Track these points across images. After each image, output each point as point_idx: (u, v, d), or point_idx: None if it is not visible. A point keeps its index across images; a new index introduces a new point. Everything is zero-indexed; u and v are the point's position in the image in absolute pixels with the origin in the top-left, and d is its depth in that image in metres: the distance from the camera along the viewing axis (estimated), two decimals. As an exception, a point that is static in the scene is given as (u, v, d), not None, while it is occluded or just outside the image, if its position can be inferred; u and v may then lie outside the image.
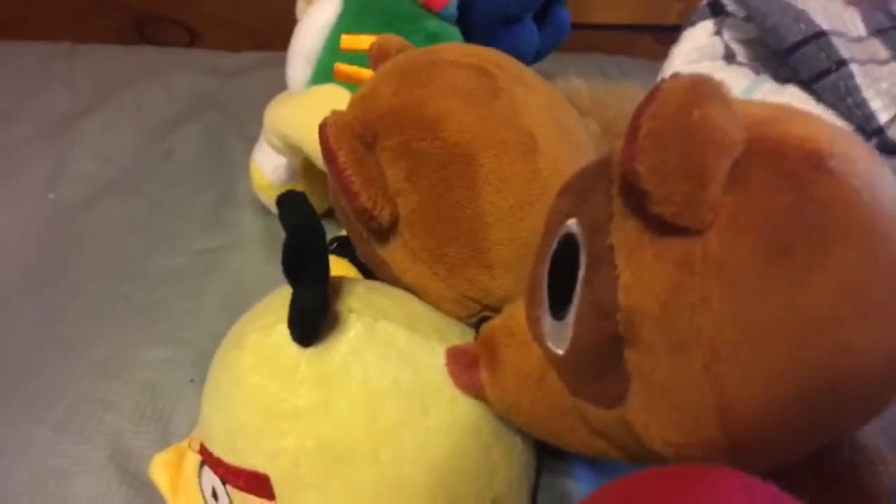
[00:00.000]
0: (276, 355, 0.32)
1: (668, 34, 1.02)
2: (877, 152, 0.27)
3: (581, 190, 0.30)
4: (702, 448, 0.26)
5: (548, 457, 0.40)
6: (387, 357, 0.33)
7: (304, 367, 0.32)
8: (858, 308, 0.24)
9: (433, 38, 0.52)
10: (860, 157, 0.25)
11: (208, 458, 0.34)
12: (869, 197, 0.24)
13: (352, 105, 0.39)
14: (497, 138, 0.35)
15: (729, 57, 0.94)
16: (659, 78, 0.90)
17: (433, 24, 0.53)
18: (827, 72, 0.83)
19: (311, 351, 0.32)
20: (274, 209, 0.62)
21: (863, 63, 0.84)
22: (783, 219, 0.24)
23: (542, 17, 0.66)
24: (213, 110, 0.87)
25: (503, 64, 0.39)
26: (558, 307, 0.29)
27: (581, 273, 0.28)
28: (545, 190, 0.36)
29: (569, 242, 0.29)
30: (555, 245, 0.30)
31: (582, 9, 1.11)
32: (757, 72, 0.90)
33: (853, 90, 0.82)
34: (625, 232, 0.26)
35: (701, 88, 0.24)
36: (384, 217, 0.35)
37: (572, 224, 0.29)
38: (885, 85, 0.83)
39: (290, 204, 0.30)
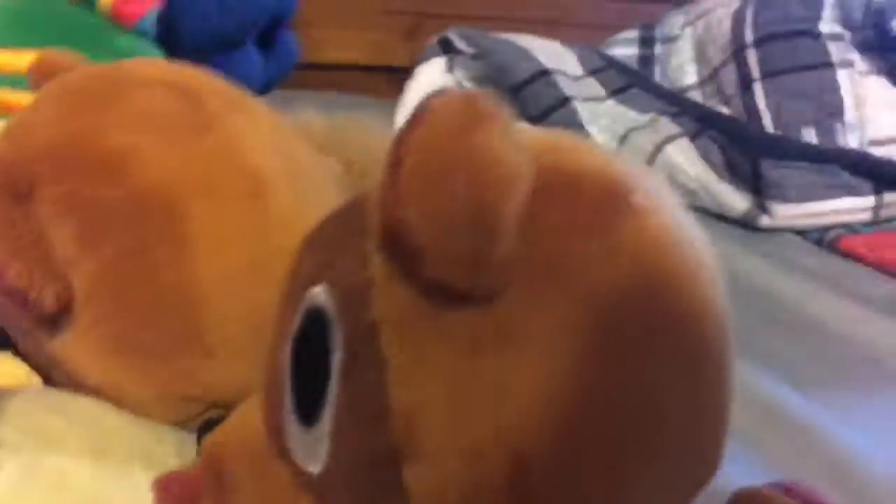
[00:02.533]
0: None
1: (400, 74, 1.02)
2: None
3: (328, 246, 0.22)
4: None
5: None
6: (58, 507, 0.22)
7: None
8: (676, 367, 0.20)
9: (126, 57, 0.42)
10: (658, 189, 0.22)
11: None
12: (676, 237, 0.21)
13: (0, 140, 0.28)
14: (210, 181, 0.28)
15: (461, 95, 0.95)
16: (398, 114, 0.88)
17: (125, 40, 0.43)
18: (553, 108, 0.86)
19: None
20: None
21: (584, 100, 0.89)
22: (586, 275, 0.19)
23: (265, 44, 0.58)
24: None
25: (215, 86, 0.31)
26: (307, 409, 0.22)
27: (336, 360, 0.21)
28: (279, 247, 0.28)
29: (316, 318, 0.21)
30: (297, 322, 0.22)
31: (314, 48, 1.08)
32: (489, 109, 0.92)
33: (578, 125, 0.86)
34: (392, 302, 0.19)
35: (478, 107, 0.18)
36: (47, 298, 0.26)
37: (319, 293, 0.22)
38: (605, 121, 0.88)
39: None
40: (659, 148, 0.85)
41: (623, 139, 0.87)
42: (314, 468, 0.22)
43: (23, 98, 0.38)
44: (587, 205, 0.20)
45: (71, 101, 0.28)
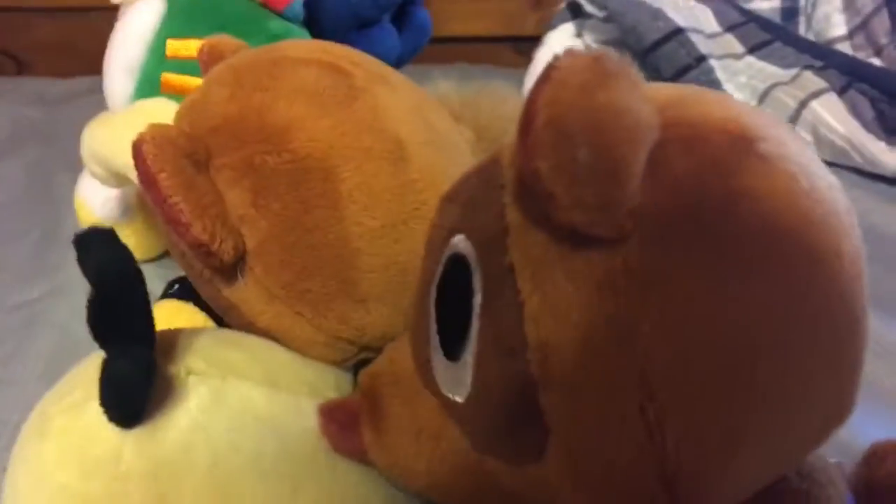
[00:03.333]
0: (89, 443, 0.25)
1: (527, 44, 1.02)
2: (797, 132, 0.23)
3: (468, 200, 0.24)
4: (642, 507, 0.21)
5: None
6: (242, 428, 0.26)
7: (128, 454, 0.24)
8: (806, 310, 0.20)
9: (276, 41, 0.46)
10: (788, 138, 0.22)
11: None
12: (806, 183, 0.21)
13: (178, 117, 0.32)
14: (358, 147, 0.30)
15: (591, 58, 0.93)
16: (526, 83, 0.89)
17: (276, 25, 0.47)
18: (688, 68, 0.84)
19: (136, 432, 0.25)
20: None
21: (720, 58, 0.86)
22: (716, 217, 0.20)
23: (400, 20, 0.61)
24: (37, 143, 0.79)
25: (359, 60, 0.33)
26: (452, 345, 0.24)
27: (476, 301, 0.23)
28: (420, 204, 0.30)
29: (458, 264, 0.24)
30: (440, 269, 0.25)
31: (440, 22, 1.09)
32: (621, 72, 0.90)
33: (715, 84, 0.83)
34: (526, 247, 0.21)
35: (605, 65, 0.19)
36: (226, 252, 0.29)
37: (460, 241, 0.24)
38: (743, 78, 0.84)
39: (91, 245, 0.23)
40: (803, 104, 0.81)
41: (764, 96, 0.83)
42: (459, 397, 0.24)
43: (190, 80, 0.43)
44: (713, 152, 0.20)
45: (240, 81, 0.31)
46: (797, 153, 0.21)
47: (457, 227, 0.24)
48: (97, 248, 0.23)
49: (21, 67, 1.07)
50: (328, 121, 0.30)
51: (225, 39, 0.36)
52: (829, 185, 0.22)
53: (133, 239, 0.52)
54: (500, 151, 0.24)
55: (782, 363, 0.20)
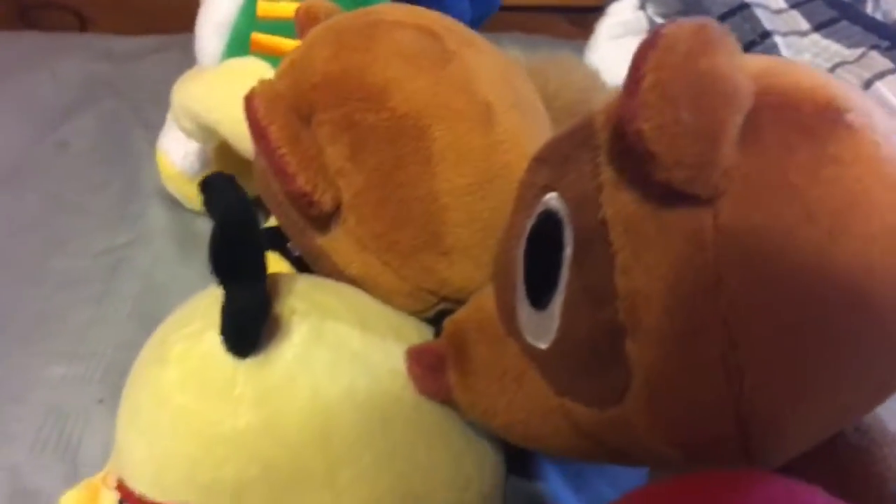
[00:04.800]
0: (207, 369, 0.27)
1: (581, 16, 1.01)
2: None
3: (560, 160, 0.26)
4: (715, 447, 0.23)
5: (514, 458, 0.36)
6: (338, 363, 0.28)
7: (241, 380, 0.27)
8: (886, 275, 0.21)
9: (364, 4, 0.47)
10: (874, 109, 0.23)
11: (128, 497, 0.29)
12: (891, 152, 0.22)
13: (281, 74, 0.34)
14: (451, 108, 0.32)
15: (654, 31, 0.93)
16: (587, 55, 0.89)
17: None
18: (752, 43, 0.83)
19: (249, 362, 0.27)
20: (186, 200, 0.57)
21: (785, 34, 0.85)
22: (803, 180, 0.21)
23: (471, -12, 0.62)
24: (109, 96, 0.82)
25: (450, 25, 0.35)
26: (539, 295, 0.26)
27: (567, 254, 0.24)
28: (505, 164, 0.32)
29: (549, 220, 0.25)
30: (531, 224, 0.26)
31: None
32: (683, 45, 0.90)
33: (778, 61, 0.83)
34: (620, 204, 0.23)
35: (708, 34, 0.21)
36: (325, 201, 0.31)
37: (552, 199, 0.25)
38: (807, 56, 0.83)
39: (216, 188, 0.25)
40: (868, 84, 0.80)
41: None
42: (543, 344, 0.26)
43: (284, 43, 0.45)
44: (803, 120, 0.21)
45: (341, 42, 0.33)
46: (882, 123, 0.22)
47: (549, 185, 0.26)
48: (221, 193, 0.26)
49: (84, 23, 1.10)
50: (423, 82, 0.32)
51: (319, 2, 0.38)
52: (911, 156, 0.23)
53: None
54: (593, 115, 0.25)
55: (856, 322, 0.21)
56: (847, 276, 0.21)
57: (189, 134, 0.47)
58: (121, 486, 0.30)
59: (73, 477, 0.39)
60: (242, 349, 0.27)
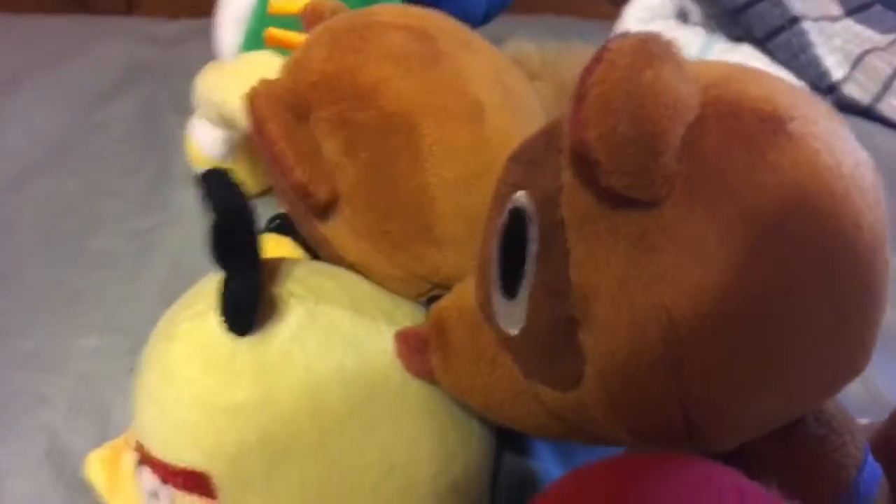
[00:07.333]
0: (210, 345, 0.30)
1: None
2: (835, 111, 0.25)
3: (530, 160, 0.28)
4: (662, 432, 0.25)
5: (508, 437, 0.39)
6: (330, 343, 0.31)
7: (241, 357, 0.30)
8: (821, 274, 0.23)
9: (368, 3, 0.49)
10: (820, 118, 0.24)
11: (145, 457, 0.32)
12: (830, 160, 0.23)
13: (283, 73, 0.37)
14: (440, 106, 0.33)
15: (682, 16, 0.93)
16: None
17: (372, -15, 0.50)
18: (780, 29, 0.82)
19: (248, 340, 0.30)
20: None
21: (815, 20, 0.84)
22: (741, 185, 0.22)
23: (489, -24, 0.63)
24: (149, 82, 0.85)
25: (445, 26, 0.36)
26: (509, 285, 0.28)
27: (531, 249, 0.26)
28: (493, 160, 0.34)
29: (518, 216, 0.27)
30: (503, 219, 0.28)
31: None
32: (710, 30, 0.90)
33: (806, 47, 0.82)
34: (576, 205, 0.24)
35: (651, 48, 0.22)
36: (322, 193, 0.33)
37: (521, 197, 0.27)
38: (838, 41, 0.83)
39: (212, 183, 0.28)
40: (898, 70, 0.79)
41: (857, 61, 0.81)
42: (513, 331, 0.28)
43: (296, 37, 0.47)
44: (746, 128, 0.23)
45: (336, 42, 0.35)
46: (826, 132, 0.24)
47: (519, 184, 0.28)
48: (217, 187, 0.28)
49: (131, 5, 1.13)
50: (413, 82, 0.34)
51: (325, 1, 0.40)
52: (855, 162, 0.24)
53: (236, 176, 0.58)
54: (561, 118, 0.27)
55: (791, 320, 0.23)
56: (781, 273, 0.22)
57: (212, 122, 0.50)
58: (139, 448, 0.33)
59: (103, 438, 0.41)
60: (240, 328, 0.29)
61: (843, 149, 0.24)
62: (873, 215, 0.24)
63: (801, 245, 0.23)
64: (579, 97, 0.22)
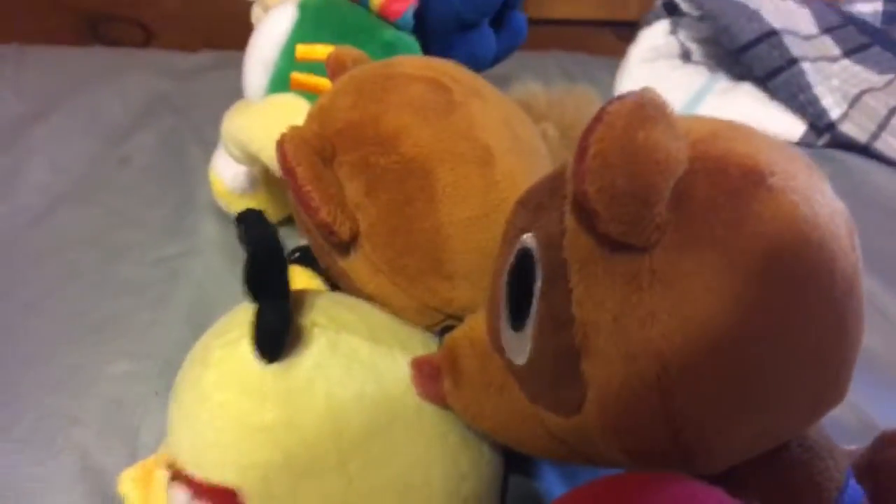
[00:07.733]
0: (241, 371, 0.32)
1: (628, 29, 1.04)
2: (815, 166, 0.28)
3: (536, 206, 0.30)
4: (656, 454, 0.27)
5: (515, 459, 0.41)
6: (350, 370, 0.33)
7: (269, 382, 0.32)
8: (799, 315, 0.25)
9: (389, 47, 0.52)
10: (798, 173, 0.27)
11: (177, 474, 0.35)
12: (807, 211, 0.25)
13: (310, 118, 0.40)
14: (454, 152, 0.36)
15: (685, 56, 0.96)
16: (617, 77, 0.92)
17: (389, 33, 0.54)
18: (780, 69, 0.86)
19: (275, 366, 0.32)
20: (234, 216, 0.63)
21: (814, 60, 0.87)
22: (725, 234, 0.25)
23: (498, 22, 0.66)
24: (170, 114, 0.87)
25: (459, 77, 0.39)
26: (517, 319, 0.30)
27: (537, 286, 0.29)
28: (501, 201, 0.37)
29: (525, 256, 0.30)
30: (512, 259, 0.31)
31: (542, 4, 1.12)
32: (712, 70, 0.93)
33: (805, 87, 0.85)
34: (577, 248, 0.27)
35: (645, 110, 0.25)
36: (344, 231, 0.36)
37: (528, 239, 0.30)
38: (836, 82, 0.86)
39: (249, 222, 0.31)
40: (894, 111, 0.81)
41: (854, 101, 0.83)
42: (520, 361, 0.30)
43: (319, 81, 0.50)
44: (730, 182, 0.25)
45: (360, 92, 0.38)
46: (804, 186, 0.26)
47: (526, 227, 0.30)
48: (252, 226, 0.31)
49: (148, 37, 1.14)
50: (430, 130, 0.36)
51: (348, 51, 0.43)
52: (831, 213, 0.26)
53: (256, 207, 0.60)
54: (565, 165, 0.30)
55: (772, 357, 0.25)
56: (765, 315, 0.25)
57: (236, 159, 0.53)
58: (172, 465, 0.35)
59: (133, 457, 0.44)
60: (270, 356, 0.32)
61: (819, 200, 0.26)
62: (847, 261, 0.26)
63: (780, 289, 0.25)
64: (581, 152, 0.24)
